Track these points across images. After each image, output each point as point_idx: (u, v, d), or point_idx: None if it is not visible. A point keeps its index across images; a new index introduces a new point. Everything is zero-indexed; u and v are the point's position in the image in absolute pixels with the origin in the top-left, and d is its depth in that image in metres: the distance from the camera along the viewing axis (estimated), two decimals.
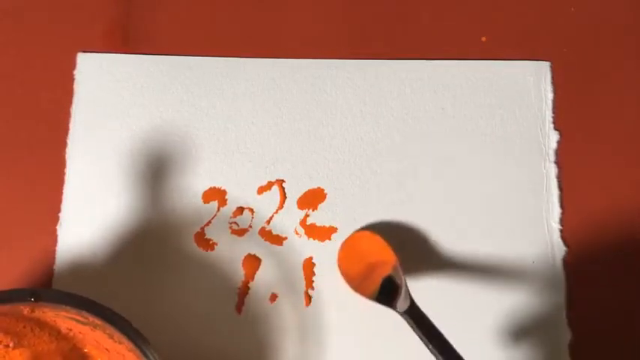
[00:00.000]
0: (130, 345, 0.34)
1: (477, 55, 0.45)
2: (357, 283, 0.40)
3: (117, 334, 0.34)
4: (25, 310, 0.35)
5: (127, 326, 0.34)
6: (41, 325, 0.36)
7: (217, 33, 0.45)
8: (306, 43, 0.45)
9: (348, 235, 0.42)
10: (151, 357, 0.34)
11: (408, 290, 0.38)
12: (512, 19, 0.45)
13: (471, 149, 0.43)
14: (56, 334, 0.36)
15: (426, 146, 0.43)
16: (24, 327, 0.36)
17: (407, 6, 0.45)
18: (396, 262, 0.40)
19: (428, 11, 0.45)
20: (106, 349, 0.36)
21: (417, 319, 0.37)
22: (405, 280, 0.38)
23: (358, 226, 0.42)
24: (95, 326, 0.35)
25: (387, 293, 0.38)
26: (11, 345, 0.36)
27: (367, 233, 0.42)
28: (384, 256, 0.40)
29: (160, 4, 0.46)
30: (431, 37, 0.45)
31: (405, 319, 0.37)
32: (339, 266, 0.41)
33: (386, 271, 0.39)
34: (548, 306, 0.41)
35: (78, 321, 0.35)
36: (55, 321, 0.36)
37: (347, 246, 0.42)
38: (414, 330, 0.36)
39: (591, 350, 0.40)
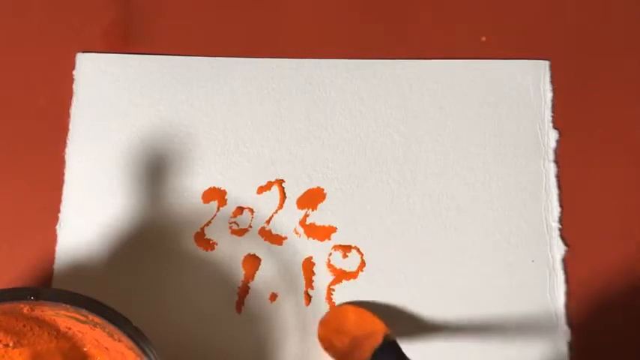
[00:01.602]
0: (130, 343, 0.34)
1: (477, 54, 0.45)
2: (342, 356, 0.39)
3: (116, 333, 0.34)
4: (24, 308, 0.35)
5: (127, 324, 0.34)
6: (41, 323, 0.36)
7: (217, 33, 0.45)
8: (305, 43, 0.45)
9: (328, 310, 0.41)
10: (150, 355, 0.34)
11: (404, 356, 0.36)
12: (511, 19, 0.45)
13: (470, 148, 0.43)
14: (56, 332, 0.36)
15: (425, 145, 0.43)
16: (24, 326, 0.36)
17: (406, 6, 0.46)
18: (387, 330, 0.38)
19: (428, 11, 0.45)
20: (106, 348, 0.36)
21: None
22: (399, 347, 0.36)
23: (357, 226, 0.42)
24: (95, 325, 0.35)
25: None
26: (11, 344, 0.36)
27: (349, 307, 0.41)
28: (371, 327, 0.39)
29: (159, 4, 0.46)
30: (431, 37, 0.45)
31: None
32: (320, 341, 0.40)
33: (375, 342, 0.37)
34: (547, 305, 0.41)
35: (77, 319, 0.35)
36: (54, 320, 0.36)
37: (328, 320, 0.40)
38: None
39: (591, 350, 0.40)
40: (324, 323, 0.40)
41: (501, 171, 0.43)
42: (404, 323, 0.41)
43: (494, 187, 0.43)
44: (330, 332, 0.40)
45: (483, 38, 0.45)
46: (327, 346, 0.40)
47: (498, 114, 0.44)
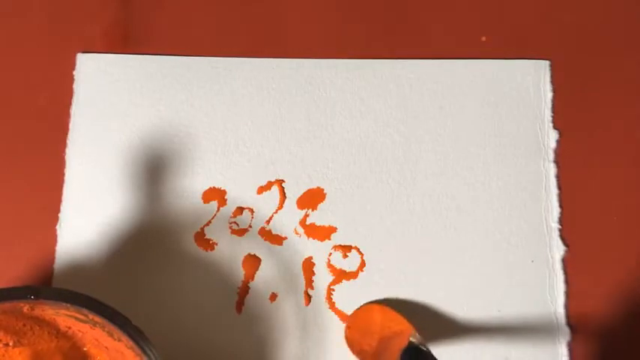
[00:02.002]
0: (129, 342, 0.34)
1: (477, 54, 0.45)
2: (372, 358, 0.38)
3: (116, 332, 0.34)
4: (24, 307, 0.35)
5: (127, 324, 0.34)
6: (41, 323, 0.36)
7: (217, 33, 0.45)
8: (305, 43, 0.45)
9: (353, 311, 0.41)
10: (150, 354, 0.34)
11: (433, 356, 0.35)
12: (511, 19, 0.45)
13: (470, 148, 0.43)
14: (56, 332, 0.36)
15: (425, 145, 0.43)
16: (24, 325, 0.36)
17: (406, 6, 0.46)
18: (413, 330, 0.38)
19: (428, 11, 0.45)
20: (106, 347, 0.36)
21: None
22: (427, 346, 0.36)
23: (357, 226, 0.42)
24: (94, 324, 0.35)
25: None
26: (11, 343, 0.36)
27: (375, 306, 0.40)
28: (398, 326, 0.39)
29: (160, 4, 0.46)
30: (431, 37, 0.45)
31: None
32: (349, 344, 0.40)
33: (403, 342, 0.37)
34: (547, 305, 0.41)
35: (77, 319, 0.35)
36: (54, 319, 0.36)
37: (354, 321, 0.40)
38: None
39: (591, 350, 0.40)
40: (351, 325, 0.40)
41: (501, 171, 0.43)
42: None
43: (494, 187, 0.43)
44: (358, 334, 0.40)
45: (483, 38, 0.45)
46: (357, 349, 0.40)
47: (498, 114, 0.44)
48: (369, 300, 0.41)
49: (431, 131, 0.43)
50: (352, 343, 0.40)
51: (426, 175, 0.43)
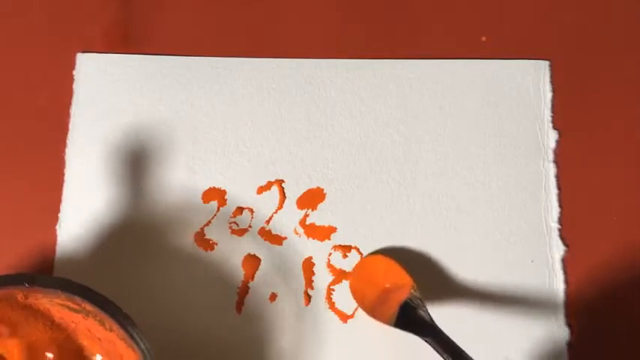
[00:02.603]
0: (121, 332, 0.34)
1: (477, 54, 0.45)
2: (372, 308, 0.40)
3: (108, 321, 0.34)
4: (19, 295, 0.35)
5: (118, 312, 0.35)
6: (35, 314, 0.36)
7: (217, 33, 0.45)
8: (305, 43, 0.45)
9: (359, 260, 0.41)
10: (140, 343, 0.34)
11: (428, 313, 0.37)
12: (511, 19, 0.45)
13: (470, 148, 0.43)
14: (50, 323, 0.37)
15: (425, 145, 0.43)
16: (19, 315, 0.36)
17: (406, 6, 0.46)
18: (413, 285, 0.39)
19: (428, 11, 0.45)
20: (99, 339, 0.36)
21: (443, 343, 0.36)
22: (424, 303, 0.38)
23: (357, 226, 0.42)
24: (87, 314, 0.35)
25: (407, 317, 0.37)
26: (6, 334, 0.36)
27: (379, 257, 0.41)
28: (399, 280, 0.40)
29: (160, 4, 0.46)
30: (430, 37, 0.45)
31: (430, 343, 0.36)
32: (352, 292, 0.41)
33: (403, 295, 0.38)
34: (546, 305, 0.41)
35: (70, 308, 0.35)
36: (48, 310, 0.36)
37: (359, 271, 0.41)
38: (440, 354, 0.36)
39: (590, 350, 0.40)
40: (355, 273, 0.41)
41: (501, 171, 0.43)
42: None
43: (493, 187, 0.43)
44: (361, 283, 0.41)
45: (483, 38, 0.45)
46: (360, 297, 0.40)
47: (498, 114, 0.44)
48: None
49: (431, 131, 0.43)
50: (355, 292, 0.41)
51: (425, 175, 0.43)
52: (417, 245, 0.42)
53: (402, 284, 0.39)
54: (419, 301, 0.38)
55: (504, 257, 0.42)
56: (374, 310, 0.39)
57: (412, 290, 0.39)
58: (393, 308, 0.38)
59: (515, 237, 0.42)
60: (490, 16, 0.45)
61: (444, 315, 0.40)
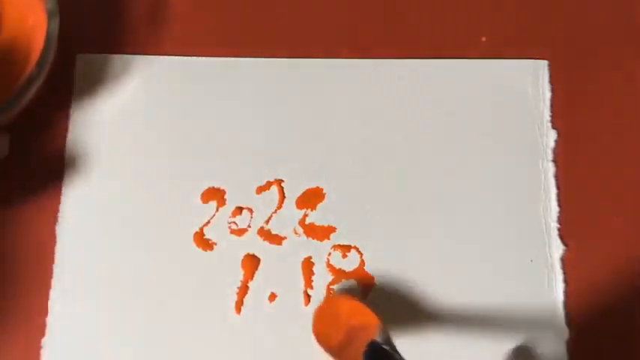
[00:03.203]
0: None
1: (477, 54, 0.45)
2: (339, 350, 0.38)
3: None
4: None
5: None
6: None
7: (218, 34, 0.45)
8: (305, 43, 0.45)
9: (321, 301, 0.41)
10: None
11: (398, 352, 0.35)
12: (511, 19, 0.45)
13: (469, 148, 0.43)
14: None
15: (424, 145, 0.43)
16: None
17: (406, 6, 0.46)
18: (380, 323, 0.37)
19: (428, 11, 0.45)
20: None
21: None
22: (393, 341, 0.36)
23: (356, 226, 0.42)
24: None
25: (375, 358, 0.35)
26: None
27: (343, 298, 0.41)
28: (365, 320, 0.38)
29: (160, 5, 0.46)
30: (431, 37, 0.45)
31: None
32: (316, 335, 0.40)
33: (370, 335, 0.37)
34: (546, 304, 0.41)
35: None
36: None
37: (322, 313, 0.40)
38: None
39: (589, 348, 0.40)
40: (318, 318, 0.40)
41: (500, 171, 0.43)
42: (403, 321, 0.41)
43: (493, 187, 0.43)
44: (326, 325, 0.40)
45: (483, 38, 0.45)
46: (324, 341, 0.39)
47: (497, 114, 0.44)
48: (369, 299, 0.41)
49: (429, 131, 0.43)
50: (319, 335, 0.40)
51: (425, 174, 0.43)
52: (416, 244, 0.42)
53: (368, 324, 0.38)
54: (387, 340, 0.36)
55: (504, 257, 0.42)
56: (341, 352, 0.38)
57: (379, 329, 0.37)
58: (361, 349, 0.36)
59: (514, 237, 0.42)
60: (490, 16, 0.45)
61: (445, 310, 0.40)
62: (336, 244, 0.42)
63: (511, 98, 0.44)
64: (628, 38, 0.45)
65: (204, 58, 0.45)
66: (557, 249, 0.42)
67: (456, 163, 0.43)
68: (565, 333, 0.40)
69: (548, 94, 0.44)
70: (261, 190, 0.43)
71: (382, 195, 0.43)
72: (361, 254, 0.42)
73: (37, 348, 0.40)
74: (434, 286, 0.41)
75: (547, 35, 0.45)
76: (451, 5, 0.46)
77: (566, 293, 0.41)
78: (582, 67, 0.44)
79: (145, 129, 0.44)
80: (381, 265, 0.42)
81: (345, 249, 0.42)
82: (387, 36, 0.45)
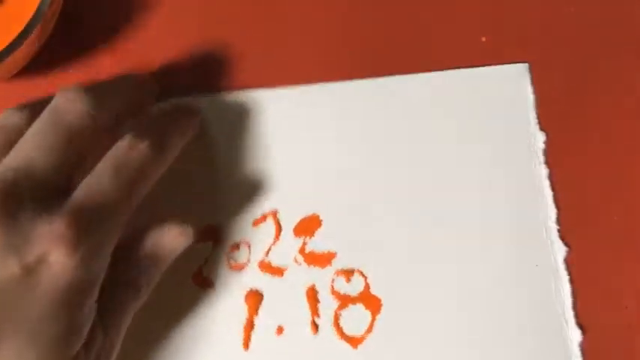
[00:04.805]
0: None
1: (477, 54, 0.44)
2: None
3: None
4: None
5: None
6: None
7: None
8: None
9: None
10: None
11: None
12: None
13: (463, 161, 0.43)
14: None
15: (415, 162, 0.43)
16: None
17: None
18: None
19: (427, 11, 0.45)
20: None
21: None
22: None
23: (357, 249, 0.42)
24: None
25: None
26: None
27: None
28: None
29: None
30: (430, 36, 0.45)
31: None
32: None
33: None
34: (555, 308, 0.41)
35: None
36: None
37: None
38: None
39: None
40: None
41: (496, 180, 0.43)
42: (414, 339, 0.41)
43: (491, 198, 0.42)
44: None
45: (483, 38, 0.45)
46: None
47: (484, 122, 0.43)
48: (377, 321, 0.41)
49: (421, 148, 0.43)
50: None
51: (420, 190, 0.42)
52: (420, 261, 0.42)
53: None
54: None
55: (508, 265, 0.41)
56: None
57: None
58: None
59: (515, 243, 0.42)
60: (489, 17, 0.45)
61: (450, 320, 0.40)
62: (339, 269, 0.42)
63: (496, 105, 0.44)
64: (610, 38, 0.45)
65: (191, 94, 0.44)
66: (560, 251, 0.42)
67: (450, 178, 0.43)
68: (577, 334, 0.40)
69: (531, 97, 0.44)
70: (257, 222, 0.42)
71: (380, 215, 0.42)
72: (365, 277, 0.42)
73: None
74: (440, 298, 0.41)
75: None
76: (451, 5, 0.45)
77: (574, 294, 0.41)
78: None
79: None
80: (387, 286, 0.41)
81: (349, 273, 0.42)
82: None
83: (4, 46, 0.34)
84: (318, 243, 0.42)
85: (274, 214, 0.42)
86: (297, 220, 0.42)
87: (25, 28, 0.35)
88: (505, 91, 0.44)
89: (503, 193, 0.42)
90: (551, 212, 0.42)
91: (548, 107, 0.44)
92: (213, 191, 0.43)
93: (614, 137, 0.44)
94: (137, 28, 0.44)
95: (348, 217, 0.42)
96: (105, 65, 0.44)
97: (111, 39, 0.44)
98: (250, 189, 0.43)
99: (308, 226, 0.42)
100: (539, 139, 0.43)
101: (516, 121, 0.44)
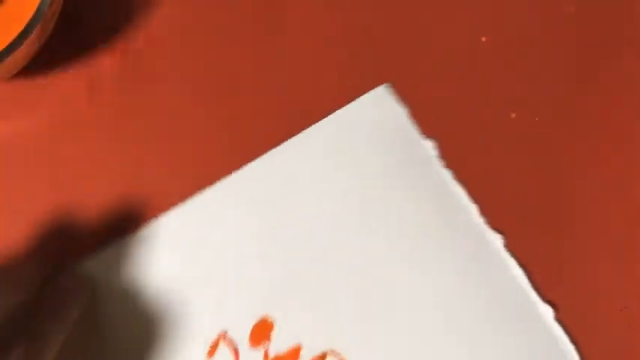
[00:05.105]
0: None
1: (477, 54, 0.44)
2: None
3: None
4: None
5: None
6: None
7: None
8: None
9: None
10: None
11: None
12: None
13: (372, 204, 0.43)
14: None
15: (332, 224, 0.42)
16: None
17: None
18: None
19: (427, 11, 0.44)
20: None
21: None
22: None
23: (320, 333, 0.40)
24: None
25: None
26: None
27: None
28: None
29: None
30: (430, 37, 0.44)
31: None
32: None
33: None
34: (517, 291, 0.42)
35: None
36: None
37: None
38: None
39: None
40: None
41: (410, 204, 0.42)
42: None
43: (417, 222, 0.42)
44: None
45: (484, 38, 0.44)
46: None
47: (376, 153, 0.43)
48: None
49: (329, 208, 0.42)
50: None
51: (346, 248, 0.42)
52: (375, 321, 0.41)
53: None
54: None
55: (462, 280, 0.42)
56: None
57: None
58: None
59: (461, 253, 0.42)
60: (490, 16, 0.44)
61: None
62: (311, 357, 0.41)
63: (377, 133, 0.43)
64: (615, 36, 0.45)
65: None
66: (497, 240, 0.42)
67: (370, 225, 0.42)
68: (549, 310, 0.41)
69: (403, 112, 0.43)
70: (212, 352, 0.40)
71: (321, 287, 0.41)
72: (339, 353, 0.41)
73: None
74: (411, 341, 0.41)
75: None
76: (450, 4, 0.44)
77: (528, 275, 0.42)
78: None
79: None
80: (364, 350, 0.41)
81: (321, 358, 0.41)
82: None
83: (4, 46, 0.34)
84: (279, 343, 0.41)
85: (224, 335, 0.40)
86: (249, 330, 0.41)
87: (25, 28, 0.34)
88: (380, 117, 0.44)
89: (422, 210, 0.42)
90: (471, 208, 0.43)
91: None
92: (153, 347, 0.40)
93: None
94: (137, 28, 0.42)
95: (300, 308, 0.41)
96: (105, 65, 0.42)
97: (111, 39, 0.42)
98: (191, 317, 0.40)
99: (262, 331, 0.41)
100: (429, 145, 0.43)
101: (402, 140, 0.43)
